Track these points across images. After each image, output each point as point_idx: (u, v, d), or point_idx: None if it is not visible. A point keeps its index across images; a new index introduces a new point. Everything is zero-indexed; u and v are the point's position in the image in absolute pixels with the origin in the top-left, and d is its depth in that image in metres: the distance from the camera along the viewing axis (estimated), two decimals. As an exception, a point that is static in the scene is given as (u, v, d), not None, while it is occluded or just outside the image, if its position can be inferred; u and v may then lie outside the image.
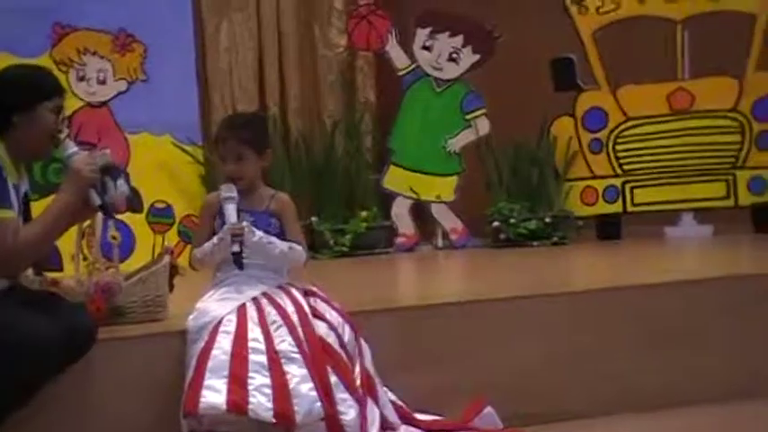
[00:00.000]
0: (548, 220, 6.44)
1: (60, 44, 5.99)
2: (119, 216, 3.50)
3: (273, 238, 3.46)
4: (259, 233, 3.42)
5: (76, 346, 3.17)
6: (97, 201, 3.22)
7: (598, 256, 6.06)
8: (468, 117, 6.69)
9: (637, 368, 3.99)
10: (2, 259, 3.08)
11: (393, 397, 3.57)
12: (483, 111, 6.68)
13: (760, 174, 6.51)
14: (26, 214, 3.28)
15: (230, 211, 3.39)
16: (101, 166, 3.25)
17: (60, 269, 4.97)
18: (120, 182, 3.30)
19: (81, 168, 3.20)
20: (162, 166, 6.05)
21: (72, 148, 3.25)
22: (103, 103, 6.08)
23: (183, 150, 6.15)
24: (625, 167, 6.60)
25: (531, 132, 6.69)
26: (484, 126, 6.67)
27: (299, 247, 3.53)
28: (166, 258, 3.70)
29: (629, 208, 6.61)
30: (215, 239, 3.45)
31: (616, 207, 6.62)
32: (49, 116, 3.22)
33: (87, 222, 3.55)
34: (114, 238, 3.58)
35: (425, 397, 3.67)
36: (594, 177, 6.64)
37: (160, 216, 6.01)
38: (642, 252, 5.92)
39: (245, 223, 3.39)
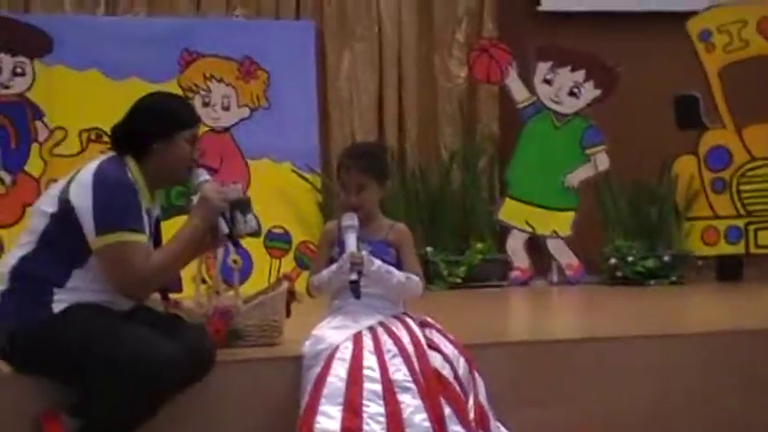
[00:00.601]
0: (666, 258, 6.36)
1: (187, 70, 6.17)
2: (239, 241, 3.57)
3: (392, 268, 3.51)
4: (378, 262, 3.47)
5: (197, 366, 3.25)
6: (225, 229, 3.31)
7: (716, 297, 5.95)
8: (587, 152, 6.66)
9: (747, 415, 3.91)
10: (132, 282, 3.18)
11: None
12: (603, 146, 6.64)
13: None
14: (156, 239, 3.39)
15: (350, 239, 3.45)
16: (232, 199, 3.34)
17: (180, 291, 5.12)
18: (250, 216, 3.36)
19: (212, 197, 3.30)
20: (281, 193, 6.16)
21: (204, 175, 3.35)
22: (226, 129, 6.23)
23: (302, 177, 6.26)
24: (749, 208, 6.49)
25: (650, 170, 6.63)
26: (603, 162, 6.63)
27: (416, 278, 3.57)
28: (285, 284, 3.77)
29: (752, 249, 6.49)
30: (334, 267, 3.50)
31: (738, 248, 6.51)
32: (186, 145, 3.32)
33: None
34: (235, 262, 3.65)
35: (536, 433, 3.66)
36: (716, 217, 6.54)
37: (277, 241, 6.12)
38: (763, 295, 5.80)
39: (364, 252, 3.44)
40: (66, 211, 3.16)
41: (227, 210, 3.31)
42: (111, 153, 3.32)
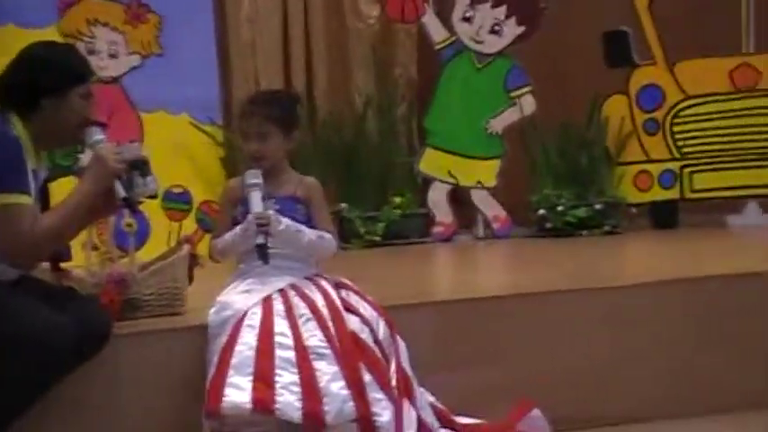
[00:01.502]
0: (598, 207, 6.43)
1: (68, 14, 6.02)
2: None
3: (301, 227, 3.48)
4: (286, 221, 3.44)
5: (90, 341, 3.20)
6: (122, 193, 3.24)
7: (653, 246, 6.05)
8: (511, 95, 6.68)
9: (690, 368, 4.00)
10: (18, 249, 3.11)
11: (431, 398, 3.58)
12: (528, 88, 6.66)
13: (833, 157, 6.49)
14: (44, 203, 3.31)
15: (255, 198, 3.41)
16: (130, 159, 3.28)
17: (70, 259, 5.03)
18: (150, 178, 3.32)
19: (107, 157, 3.23)
20: (179, 148, 6.07)
21: (98, 134, 3.28)
22: (115, 79, 6.10)
23: (202, 131, 6.18)
24: (683, 150, 6.58)
25: (580, 112, 6.68)
26: (529, 105, 6.65)
27: (329, 236, 3.55)
28: (185, 248, 3.73)
29: (688, 194, 6.60)
30: (238, 229, 3.47)
31: (673, 193, 6.61)
32: (80, 102, 3.25)
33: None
34: (129, 225, 3.61)
35: (466, 398, 3.68)
36: (650, 161, 6.63)
37: (177, 201, 6.04)
38: (701, 242, 5.92)
39: (270, 212, 3.41)
40: None
41: (123, 172, 3.24)
42: None
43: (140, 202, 3.38)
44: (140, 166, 3.31)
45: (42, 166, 3.33)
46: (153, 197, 3.51)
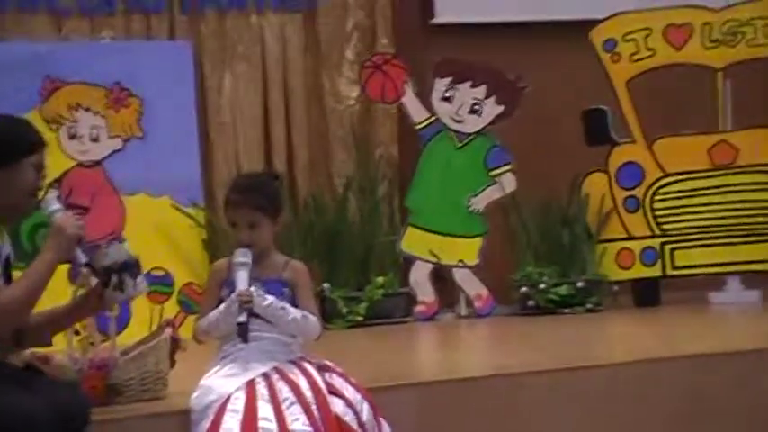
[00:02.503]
0: (580, 285, 6.45)
1: (50, 99, 6.07)
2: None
3: (286, 305, 3.49)
4: (270, 298, 3.44)
5: (69, 427, 3.18)
6: (82, 259, 3.26)
7: (635, 324, 6.06)
8: (492, 174, 6.72)
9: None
10: None
11: (416, 480, 3.58)
12: (509, 167, 6.71)
13: (811, 233, 6.54)
14: (7, 279, 3.31)
15: (242, 276, 3.42)
16: (121, 260, 3.29)
17: (50, 344, 5.01)
18: (140, 279, 3.33)
19: (65, 225, 3.24)
20: (160, 230, 6.08)
21: (54, 204, 3.29)
22: (97, 163, 6.14)
23: (184, 213, 6.20)
24: (664, 227, 6.62)
25: (560, 190, 6.73)
26: (510, 183, 6.70)
27: (313, 317, 3.55)
28: (167, 331, 3.73)
29: (669, 271, 6.62)
30: (221, 307, 3.47)
31: (655, 270, 6.63)
32: (30, 172, 3.26)
33: (80, 292, 3.58)
34: (110, 309, 3.60)
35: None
36: (631, 238, 6.66)
37: (158, 284, 6.01)
38: (683, 320, 5.94)
39: (252, 288, 3.42)
40: None
41: (82, 238, 3.26)
42: None
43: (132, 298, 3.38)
44: (130, 268, 3.33)
45: (4, 243, 3.33)
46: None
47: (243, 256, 3.46)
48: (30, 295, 3.17)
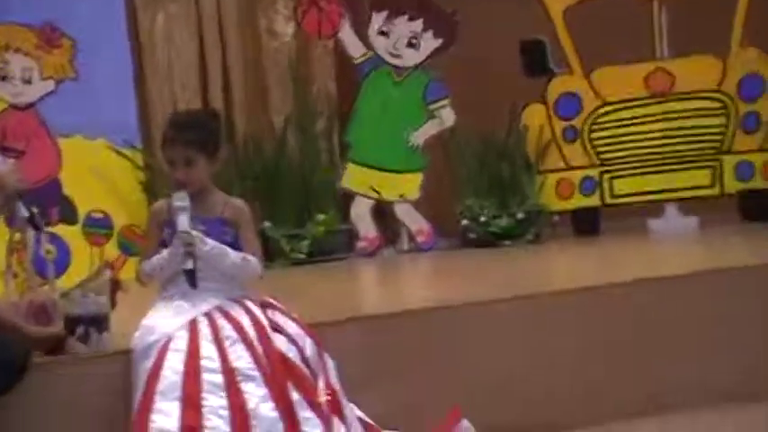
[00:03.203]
0: (520, 216, 6.49)
1: (-22, 42, 5.97)
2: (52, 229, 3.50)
3: (226, 248, 3.47)
4: (211, 243, 3.43)
5: (9, 372, 3.16)
6: (24, 212, 3.23)
7: (575, 253, 6.12)
8: (431, 108, 6.72)
9: (619, 373, 4.04)
10: None
11: (360, 414, 3.59)
12: (447, 100, 6.71)
13: (747, 158, 6.61)
14: None
15: (182, 221, 3.40)
16: (90, 314, 3.36)
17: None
18: (106, 335, 3.42)
19: (4, 175, 3.20)
20: (97, 173, 6.01)
21: None
22: (30, 105, 6.05)
23: (121, 154, 6.13)
24: (602, 156, 6.66)
25: (499, 122, 6.73)
26: (449, 117, 6.71)
27: (254, 259, 3.54)
28: (107, 273, 3.70)
29: (608, 200, 6.68)
30: (165, 253, 3.45)
31: (594, 200, 6.69)
32: None
33: (17, 236, 3.55)
34: (49, 252, 3.58)
35: (395, 413, 3.69)
36: (570, 168, 6.70)
37: (97, 227, 5.98)
38: (623, 247, 6.00)
39: (195, 232, 3.40)
40: None
41: (24, 192, 3.23)
42: None
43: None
44: (99, 323, 3.42)
45: None
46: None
47: (181, 200, 3.44)
48: None
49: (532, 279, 5.14)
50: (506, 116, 6.72)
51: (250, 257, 3.53)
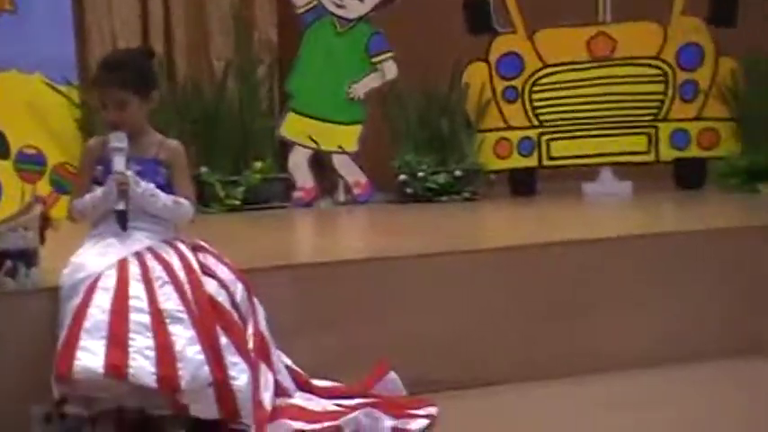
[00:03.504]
0: (458, 173, 6.51)
1: None
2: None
3: (157, 191, 3.43)
4: (144, 184, 3.39)
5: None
6: None
7: (510, 212, 6.16)
8: (373, 60, 6.71)
9: (548, 331, 4.07)
10: None
11: (288, 361, 3.58)
12: (390, 54, 6.70)
13: (683, 126, 6.67)
14: None
15: (119, 162, 3.35)
16: (19, 249, 3.31)
17: None
18: (34, 270, 3.38)
19: None
20: (32, 108, 5.95)
21: None
22: (-35, 37, 5.94)
23: (57, 90, 6.05)
24: (541, 118, 6.70)
25: (441, 79, 6.73)
26: (391, 71, 6.69)
27: (186, 202, 3.50)
28: (37, 208, 3.64)
29: (545, 162, 6.72)
30: (99, 192, 3.40)
31: (531, 161, 6.72)
32: None
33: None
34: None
35: (323, 362, 3.69)
36: (509, 128, 6.73)
37: (29, 163, 5.91)
38: (557, 209, 6.04)
39: (129, 173, 3.36)
40: None
41: None
42: None
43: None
44: (28, 257, 3.37)
45: None
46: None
47: (118, 141, 3.39)
48: None
49: (468, 236, 5.16)
50: (449, 73, 6.71)
51: (182, 200, 3.49)
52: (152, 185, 3.42)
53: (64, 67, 6.09)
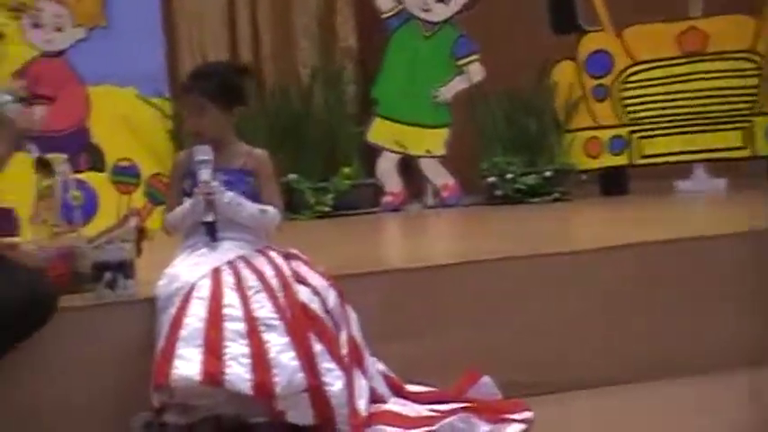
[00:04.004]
0: (548, 174, 6.47)
1: (12, -12, 5.97)
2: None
3: (243, 200, 3.47)
4: (229, 194, 3.44)
5: (35, 315, 3.18)
6: (35, 153, 3.28)
7: (602, 212, 6.10)
8: (459, 63, 6.70)
9: (644, 332, 4.03)
10: None
11: (382, 367, 3.59)
12: (476, 56, 6.69)
13: (779, 120, 6.56)
14: None
15: (204, 174, 3.41)
16: (117, 261, 3.41)
17: (17, 233, 4.99)
18: (131, 282, 3.46)
19: (15, 118, 3.22)
20: (126, 121, 6.05)
21: (4, 96, 3.27)
22: (61, 53, 6.06)
23: (149, 103, 6.15)
24: (632, 116, 6.63)
25: (528, 79, 6.70)
26: (477, 73, 6.68)
27: (273, 210, 3.53)
28: (133, 221, 3.72)
29: (637, 160, 6.65)
30: (187, 205, 3.47)
31: (622, 159, 6.66)
32: None
33: (46, 183, 3.58)
34: (76, 198, 3.60)
35: (417, 367, 3.69)
36: (599, 127, 6.67)
37: (125, 175, 6.02)
38: (650, 208, 5.97)
39: (215, 183, 3.41)
40: None
41: (33, 132, 3.27)
42: None
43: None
44: (126, 269, 3.45)
45: None
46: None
47: (203, 154, 3.45)
48: None
49: (557, 237, 5.13)
50: (535, 73, 6.68)
51: (268, 209, 3.53)
52: (237, 195, 3.47)
53: (155, 79, 6.19)
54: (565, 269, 4.06)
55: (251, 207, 3.49)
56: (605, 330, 4.01)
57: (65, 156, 3.66)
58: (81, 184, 3.71)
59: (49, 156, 3.61)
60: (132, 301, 3.47)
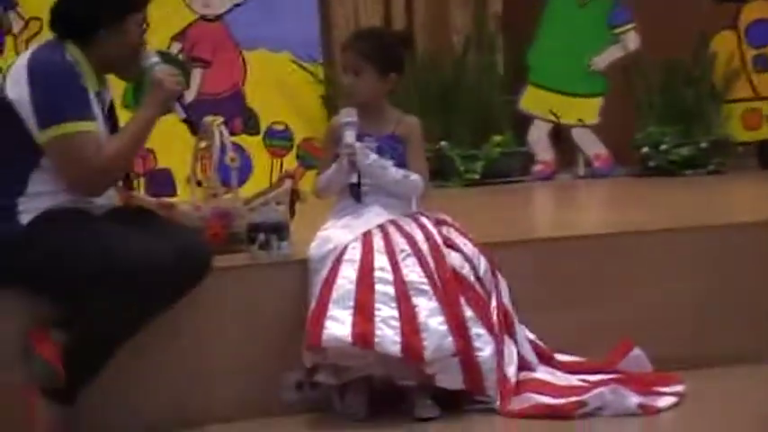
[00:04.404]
0: (704, 145, 6.32)
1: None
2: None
3: (387, 164, 3.48)
4: (373, 156, 3.45)
5: (192, 272, 3.25)
6: (182, 114, 3.35)
7: (759, 186, 5.94)
8: (615, 32, 6.59)
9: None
10: (86, 176, 3.16)
11: (531, 336, 3.59)
12: (632, 25, 6.56)
13: None
14: (113, 125, 3.38)
15: (348, 136, 3.44)
16: (270, 222, 3.47)
17: (174, 194, 5.13)
18: (285, 244, 3.49)
19: (164, 79, 3.28)
20: (280, 86, 6.12)
21: (153, 57, 3.34)
22: (218, 17, 6.16)
23: (303, 68, 6.21)
24: (794, 87, 6.44)
25: (685, 49, 6.54)
26: (633, 41, 6.56)
27: (416, 176, 3.52)
28: (288, 183, 3.76)
29: (798, 132, 6.47)
30: (333, 167, 3.50)
31: (782, 132, 6.49)
32: (135, 29, 3.29)
33: (203, 145, 3.66)
34: (232, 160, 3.66)
35: (565, 337, 3.68)
36: (759, 98, 6.49)
37: (278, 139, 6.11)
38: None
39: (358, 144, 3.43)
40: (5, 109, 3.13)
41: (181, 93, 3.33)
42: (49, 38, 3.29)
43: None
44: (280, 230, 3.49)
45: (107, 89, 3.38)
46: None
47: (347, 116, 3.48)
48: (132, 149, 3.27)
49: (713, 210, 5.01)
50: (693, 43, 6.53)
51: (413, 175, 3.53)
52: (380, 158, 3.48)
53: (309, 45, 6.23)
54: (716, 242, 3.97)
55: (395, 171, 3.49)
56: (757, 306, 3.92)
57: (222, 118, 3.71)
58: (237, 147, 3.76)
59: (207, 118, 3.67)
60: (286, 262, 3.52)
